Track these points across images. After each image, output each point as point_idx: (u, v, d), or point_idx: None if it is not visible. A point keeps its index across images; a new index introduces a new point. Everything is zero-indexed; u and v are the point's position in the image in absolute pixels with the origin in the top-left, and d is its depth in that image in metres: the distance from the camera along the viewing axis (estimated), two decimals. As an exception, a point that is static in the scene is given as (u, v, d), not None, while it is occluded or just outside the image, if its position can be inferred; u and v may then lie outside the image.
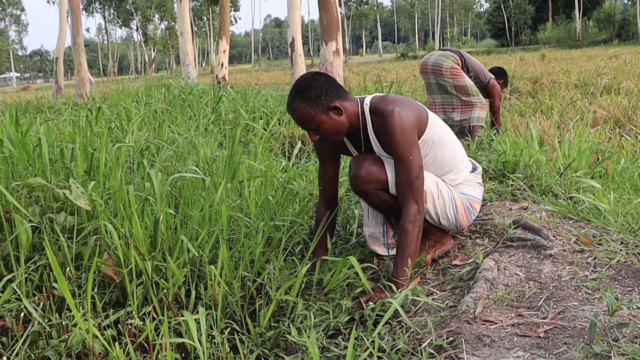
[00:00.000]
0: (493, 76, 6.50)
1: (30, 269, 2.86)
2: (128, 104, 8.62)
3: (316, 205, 3.44)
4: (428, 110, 3.12)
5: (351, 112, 3.00)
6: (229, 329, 2.71)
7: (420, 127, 3.00)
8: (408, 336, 2.40)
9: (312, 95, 2.90)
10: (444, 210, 3.14)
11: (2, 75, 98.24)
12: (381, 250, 3.32)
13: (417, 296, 2.70)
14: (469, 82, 6.22)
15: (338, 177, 3.41)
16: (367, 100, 3.04)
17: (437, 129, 3.10)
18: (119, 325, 2.68)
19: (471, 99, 6.25)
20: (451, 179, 3.20)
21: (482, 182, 3.49)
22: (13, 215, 2.95)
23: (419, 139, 2.99)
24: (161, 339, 2.38)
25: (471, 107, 6.29)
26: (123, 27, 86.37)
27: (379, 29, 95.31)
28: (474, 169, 3.35)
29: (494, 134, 5.77)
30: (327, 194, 3.36)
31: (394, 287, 2.78)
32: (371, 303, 2.72)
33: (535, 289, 2.63)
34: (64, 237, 2.97)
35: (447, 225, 3.22)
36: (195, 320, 2.37)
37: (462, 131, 6.30)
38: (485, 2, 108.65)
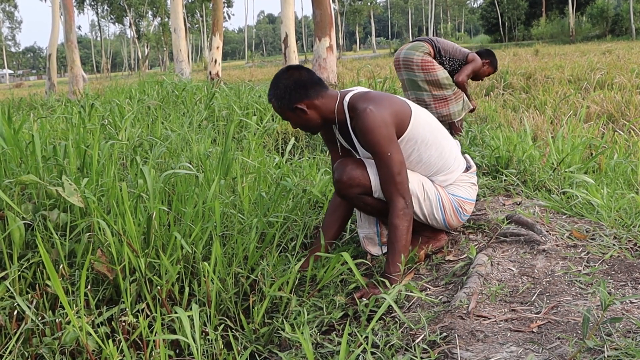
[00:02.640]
0: (471, 52, 6.28)
1: (24, 267, 2.85)
2: (121, 100, 8.59)
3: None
4: (413, 108, 3.07)
5: (323, 110, 3.03)
6: (222, 326, 2.72)
7: (400, 124, 2.97)
8: (402, 332, 2.41)
9: (279, 94, 3.00)
10: (431, 212, 3.13)
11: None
12: (375, 251, 3.31)
13: (411, 292, 2.70)
14: (441, 74, 6.06)
15: None
16: (348, 97, 3.04)
17: (423, 127, 3.06)
18: (113, 323, 2.67)
19: (444, 93, 6.13)
20: (441, 180, 3.16)
21: (477, 181, 3.46)
22: (6, 212, 2.94)
23: (399, 136, 2.98)
24: (155, 335, 2.38)
25: (446, 102, 6.17)
26: (116, 24, 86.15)
27: (373, 24, 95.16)
28: (468, 168, 3.31)
29: (488, 129, 5.76)
30: None
31: (387, 283, 2.78)
32: (364, 299, 2.72)
33: (529, 284, 2.64)
34: (57, 234, 2.96)
35: (437, 225, 3.21)
36: (188, 316, 2.37)
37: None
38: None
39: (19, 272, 2.82)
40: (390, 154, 2.87)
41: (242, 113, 7.74)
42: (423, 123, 3.08)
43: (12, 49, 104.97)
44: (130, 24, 76.86)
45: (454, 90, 6.18)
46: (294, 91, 2.97)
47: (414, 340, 2.29)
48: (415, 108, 3.10)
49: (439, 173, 3.16)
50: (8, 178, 3.39)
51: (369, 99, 2.96)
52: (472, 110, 6.56)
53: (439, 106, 6.20)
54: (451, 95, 6.17)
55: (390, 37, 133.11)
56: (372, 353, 2.27)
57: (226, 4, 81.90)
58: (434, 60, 6.12)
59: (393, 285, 2.72)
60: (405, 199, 2.91)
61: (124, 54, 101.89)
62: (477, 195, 3.93)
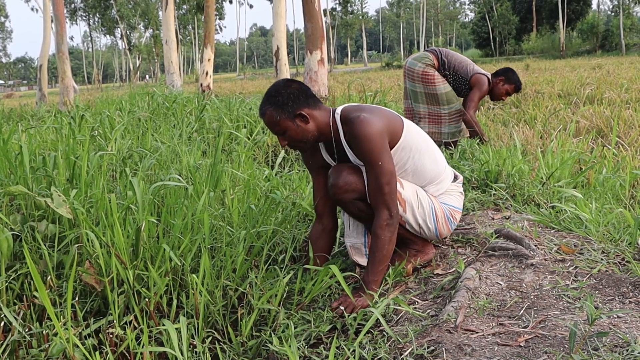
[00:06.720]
0: (483, 72, 6.10)
1: (11, 278, 2.84)
2: (112, 112, 8.59)
3: (312, 227, 3.37)
4: (404, 119, 3.12)
5: (321, 121, 3.02)
6: (210, 338, 2.71)
7: (393, 134, 2.99)
8: (389, 345, 2.41)
9: (280, 101, 2.93)
10: (424, 220, 3.14)
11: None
12: (362, 261, 3.30)
13: (399, 305, 2.70)
14: (440, 89, 6.00)
15: None
16: (339, 110, 3.06)
17: (415, 136, 3.09)
18: (100, 335, 2.66)
19: (440, 110, 6.07)
20: (434, 190, 3.20)
21: (463, 190, 3.50)
22: (-7, 223, 2.93)
23: (394, 145, 2.99)
24: (142, 348, 2.37)
25: (439, 119, 6.11)
26: (108, 35, 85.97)
27: (364, 38, 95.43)
28: (455, 178, 3.36)
29: (477, 143, 5.75)
30: (325, 207, 3.30)
31: (365, 289, 2.82)
32: (342, 307, 2.75)
33: (517, 298, 2.64)
34: (45, 245, 2.95)
35: (428, 234, 3.22)
36: (176, 329, 2.36)
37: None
38: (470, 12, 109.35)
39: (7, 284, 2.80)
40: (381, 163, 2.87)
41: (232, 125, 7.74)
42: (415, 131, 3.13)
43: (3, 60, 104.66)
44: (121, 35, 76.73)
45: (450, 110, 6.09)
46: (297, 98, 2.95)
47: (401, 354, 2.29)
48: (405, 119, 3.14)
49: (433, 182, 3.19)
50: (-4, 189, 3.38)
51: (362, 109, 2.99)
52: (475, 137, 6.16)
53: (431, 122, 6.14)
54: (446, 114, 6.09)
55: (381, 50, 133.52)
56: (360, 366, 2.27)
57: (218, 17, 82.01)
58: (436, 73, 6.04)
59: (367, 291, 2.77)
60: (391, 210, 2.91)
61: (115, 65, 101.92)
62: (467, 208, 3.96)
